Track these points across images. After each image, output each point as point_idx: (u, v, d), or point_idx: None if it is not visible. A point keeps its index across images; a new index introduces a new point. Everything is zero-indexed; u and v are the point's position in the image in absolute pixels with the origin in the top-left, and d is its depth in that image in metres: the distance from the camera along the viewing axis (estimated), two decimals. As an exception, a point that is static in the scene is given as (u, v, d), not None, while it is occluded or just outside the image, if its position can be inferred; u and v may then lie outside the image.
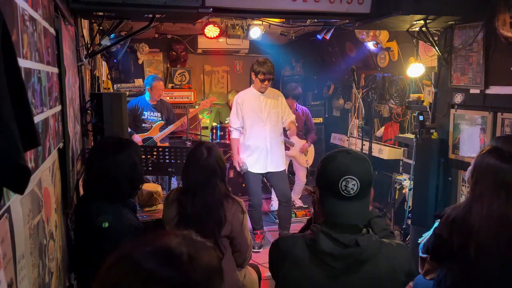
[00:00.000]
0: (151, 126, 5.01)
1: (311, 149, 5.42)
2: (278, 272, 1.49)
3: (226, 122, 5.92)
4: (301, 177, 5.41)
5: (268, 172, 4.20)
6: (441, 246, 2.06)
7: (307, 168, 5.41)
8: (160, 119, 5.08)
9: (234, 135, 4.16)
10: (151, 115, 5.06)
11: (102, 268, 0.80)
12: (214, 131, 5.69)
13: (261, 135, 4.07)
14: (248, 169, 4.12)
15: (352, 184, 1.36)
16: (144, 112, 5.02)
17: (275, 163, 4.15)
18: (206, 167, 2.21)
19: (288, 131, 4.27)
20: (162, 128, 5.04)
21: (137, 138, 4.80)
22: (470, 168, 2.06)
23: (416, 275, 1.63)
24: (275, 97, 4.15)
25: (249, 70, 6.70)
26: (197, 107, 5.95)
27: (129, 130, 4.77)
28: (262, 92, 4.04)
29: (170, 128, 5.07)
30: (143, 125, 5.02)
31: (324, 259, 1.38)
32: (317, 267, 1.40)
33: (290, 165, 5.42)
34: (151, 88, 4.96)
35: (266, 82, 3.96)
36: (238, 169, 4.15)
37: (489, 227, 1.88)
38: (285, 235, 1.58)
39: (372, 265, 1.38)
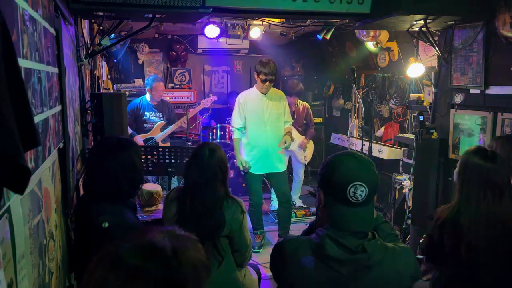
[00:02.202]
0: (153, 127, 5.02)
1: (310, 146, 5.41)
2: (280, 274, 1.47)
3: (226, 122, 5.93)
4: (299, 173, 5.42)
5: (269, 173, 4.20)
6: (434, 247, 2.07)
7: (305, 164, 5.41)
8: (162, 119, 5.10)
9: (236, 135, 4.16)
10: (153, 116, 5.07)
11: (87, 268, 0.80)
12: (214, 131, 5.70)
13: (262, 136, 4.07)
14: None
15: (361, 191, 1.33)
16: (145, 113, 5.04)
17: (275, 164, 4.15)
18: (206, 168, 2.21)
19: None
20: (163, 128, 5.05)
21: (139, 140, 4.81)
22: (456, 170, 2.07)
23: (420, 277, 1.64)
24: (278, 98, 4.14)
25: (252, 70, 6.83)
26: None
27: (131, 131, 4.78)
28: (264, 93, 4.04)
29: (171, 128, 5.08)
30: (145, 125, 5.04)
31: (330, 264, 1.36)
32: (322, 272, 1.37)
33: (289, 161, 5.42)
34: (151, 89, 4.97)
35: (267, 83, 3.94)
36: (241, 168, 4.15)
37: (478, 227, 1.90)
38: (290, 237, 1.56)
39: (378, 270, 1.36)
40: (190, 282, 0.79)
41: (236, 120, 4.11)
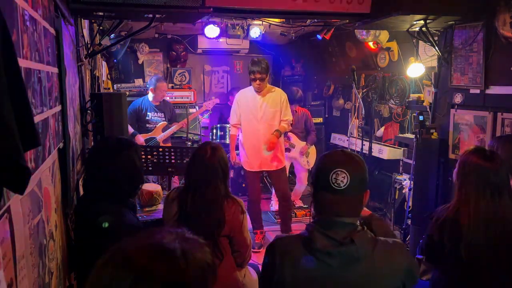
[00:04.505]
0: (155, 127, 5.03)
1: (313, 150, 5.40)
2: (273, 272, 1.47)
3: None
4: (302, 179, 5.40)
5: (267, 171, 4.24)
6: (434, 247, 2.08)
7: (308, 170, 5.40)
8: (164, 119, 5.10)
9: (232, 131, 4.33)
10: (155, 116, 5.07)
11: (96, 264, 0.80)
12: (214, 131, 5.71)
13: (255, 134, 4.11)
14: (243, 167, 4.24)
15: (342, 177, 1.38)
16: (148, 113, 5.04)
17: (269, 162, 4.16)
18: (208, 167, 2.22)
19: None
20: (165, 129, 5.05)
21: (140, 139, 4.81)
22: (455, 170, 2.07)
23: (418, 275, 1.62)
24: (275, 97, 4.12)
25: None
26: (197, 108, 5.95)
27: (133, 131, 4.79)
28: (257, 91, 4.04)
29: (173, 129, 5.08)
30: (147, 125, 5.05)
31: (320, 258, 1.39)
32: (314, 263, 1.40)
33: (292, 166, 5.42)
34: (155, 89, 4.96)
35: (257, 82, 3.94)
36: (232, 164, 4.34)
37: (478, 227, 1.90)
38: (281, 235, 1.58)
39: (368, 262, 1.38)
40: (197, 285, 0.80)
41: (232, 117, 4.25)
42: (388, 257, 1.41)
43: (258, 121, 4.08)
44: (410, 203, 3.95)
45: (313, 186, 1.49)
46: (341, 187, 1.38)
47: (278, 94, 4.15)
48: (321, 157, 1.50)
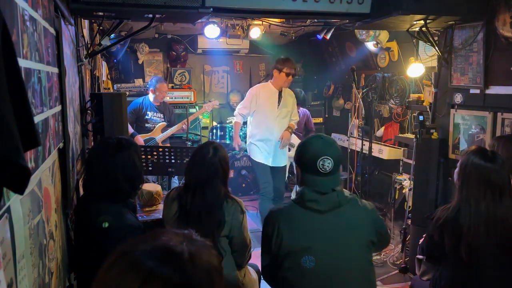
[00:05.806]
0: (154, 127, 5.02)
1: None
2: (272, 233, 1.80)
3: (227, 122, 5.93)
4: None
5: (272, 166, 4.32)
6: (434, 247, 2.08)
7: None
8: (163, 120, 5.10)
9: (238, 119, 4.43)
10: (155, 116, 5.07)
11: (102, 266, 0.79)
12: (214, 131, 5.70)
13: (270, 130, 4.23)
14: (255, 159, 4.29)
15: (328, 163, 1.76)
16: (147, 113, 5.04)
17: (278, 158, 4.31)
18: (209, 166, 2.22)
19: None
20: (164, 130, 5.05)
21: (140, 140, 4.81)
22: (456, 170, 2.07)
23: (385, 231, 1.94)
24: (289, 97, 4.35)
25: (252, 70, 6.85)
26: (197, 108, 5.94)
27: (132, 131, 4.79)
28: (285, 87, 4.26)
29: (172, 130, 5.08)
30: (146, 125, 5.04)
31: (310, 206, 1.78)
32: (305, 213, 1.78)
33: (291, 166, 5.42)
34: (155, 89, 4.96)
35: (290, 77, 4.19)
36: (237, 148, 4.67)
37: (478, 228, 1.91)
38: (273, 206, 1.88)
39: (347, 209, 1.80)
40: (204, 287, 0.80)
41: (243, 108, 4.32)
42: (359, 208, 1.84)
43: (275, 118, 4.22)
44: (410, 203, 3.94)
45: (301, 170, 1.84)
46: (327, 170, 1.77)
47: (292, 96, 4.39)
48: (303, 147, 1.84)
